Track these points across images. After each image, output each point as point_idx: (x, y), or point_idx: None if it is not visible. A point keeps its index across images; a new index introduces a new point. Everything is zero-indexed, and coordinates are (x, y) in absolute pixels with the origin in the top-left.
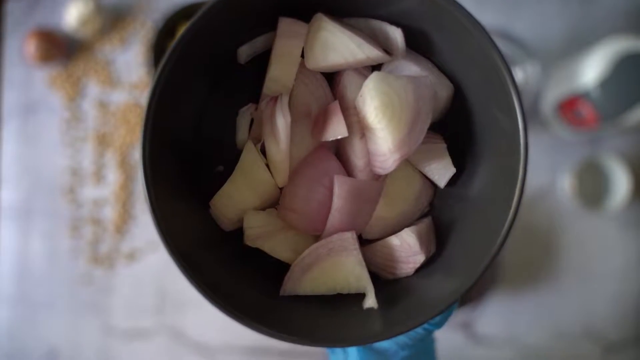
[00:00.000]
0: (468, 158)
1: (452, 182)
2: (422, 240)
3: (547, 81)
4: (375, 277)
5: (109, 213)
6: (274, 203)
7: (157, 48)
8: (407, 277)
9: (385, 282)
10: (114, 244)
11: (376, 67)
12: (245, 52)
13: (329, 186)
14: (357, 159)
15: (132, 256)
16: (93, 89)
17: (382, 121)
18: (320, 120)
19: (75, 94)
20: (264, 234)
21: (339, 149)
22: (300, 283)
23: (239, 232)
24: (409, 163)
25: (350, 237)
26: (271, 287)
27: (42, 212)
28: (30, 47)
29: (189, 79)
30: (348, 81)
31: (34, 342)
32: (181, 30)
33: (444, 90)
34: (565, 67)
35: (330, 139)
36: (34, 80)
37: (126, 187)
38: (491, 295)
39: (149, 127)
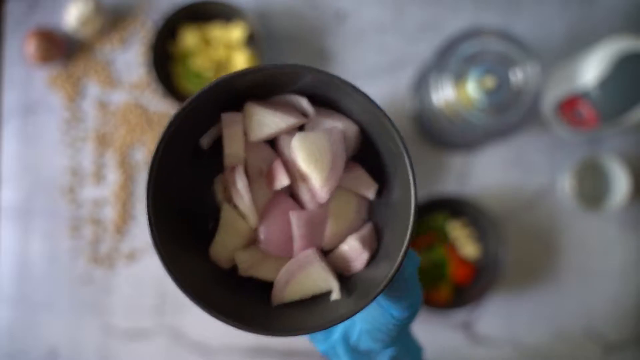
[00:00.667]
0: (385, 175)
1: (379, 193)
2: (365, 242)
3: (547, 81)
4: (339, 277)
5: (109, 213)
6: (254, 240)
7: (157, 48)
8: (360, 271)
9: (347, 278)
10: (114, 244)
11: (302, 126)
12: (205, 140)
13: (289, 220)
14: (304, 196)
15: (132, 256)
16: (93, 89)
17: (309, 167)
18: (270, 175)
19: (75, 94)
20: (253, 265)
21: (291, 191)
22: (283, 294)
23: (235, 266)
24: (342, 188)
25: (312, 253)
26: (267, 300)
27: (42, 212)
28: (31, 47)
29: (176, 161)
30: (283, 143)
31: (34, 342)
32: (182, 36)
33: (351, 131)
34: (565, 67)
35: (280, 187)
36: (34, 80)
37: (126, 187)
38: (491, 295)
39: (151, 197)
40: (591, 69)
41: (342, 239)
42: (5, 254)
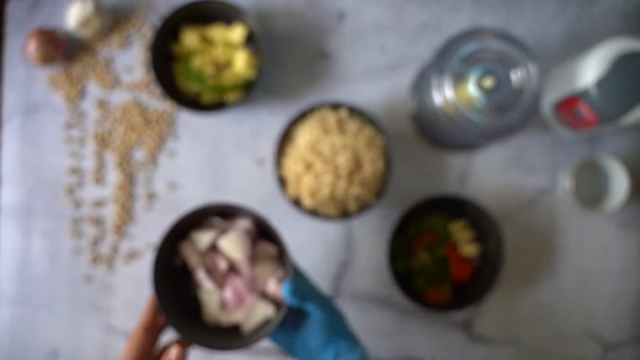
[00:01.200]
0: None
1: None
2: (280, 279)
3: (547, 81)
4: (276, 303)
5: (109, 213)
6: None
7: (157, 48)
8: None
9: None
10: (114, 244)
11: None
12: (177, 263)
13: (236, 285)
14: (239, 268)
15: (132, 256)
16: (93, 89)
17: (233, 253)
18: (216, 266)
19: (75, 94)
20: (227, 317)
21: (233, 267)
22: (249, 325)
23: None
24: (259, 255)
25: (254, 298)
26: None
27: (42, 212)
28: (31, 47)
29: (163, 271)
30: (218, 244)
31: (34, 341)
32: (182, 36)
33: (249, 225)
34: (564, 67)
35: (224, 270)
36: (34, 80)
37: (126, 187)
38: (491, 295)
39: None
40: (590, 69)
41: (267, 281)
42: (5, 253)
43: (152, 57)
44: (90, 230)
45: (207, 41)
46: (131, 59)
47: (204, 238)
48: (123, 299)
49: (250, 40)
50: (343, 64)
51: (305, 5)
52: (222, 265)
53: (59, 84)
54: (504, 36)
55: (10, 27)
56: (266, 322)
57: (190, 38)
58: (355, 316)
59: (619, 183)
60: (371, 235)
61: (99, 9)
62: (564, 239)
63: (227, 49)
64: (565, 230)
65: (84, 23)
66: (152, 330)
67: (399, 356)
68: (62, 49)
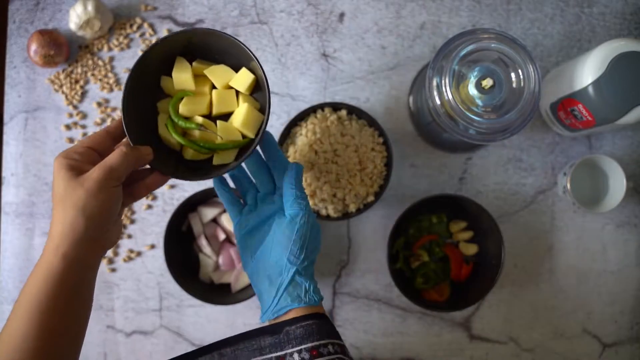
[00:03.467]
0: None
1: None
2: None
3: (546, 82)
4: None
5: None
6: (218, 266)
7: (139, 78)
8: None
9: None
10: None
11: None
12: (183, 227)
13: (230, 252)
14: (234, 239)
15: (132, 256)
16: (94, 89)
17: (231, 229)
18: (216, 235)
19: (76, 94)
20: (220, 278)
21: (229, 239)
22: (237, 285)
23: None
24: None
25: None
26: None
27: (43, 212)
28: (33, 48)
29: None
30: (219, 219)
31: None
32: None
33: None
34: (563, 68)
35: (222, 239)
36: (36, 80)
37: None
38: (491, 295)
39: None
40: (589, 70)
41: None
42: (7, 253)
43: (130, 86)
44: None
45: (202, 82)
46: (131, 59)
47: (209, 212)
48: (123, 298)
49: (255, 92)
50: (343, 64)
51: (305, 5)
52: (221, 235)
53: (60, 84)
54: (503, 36)
55: (11, 28)
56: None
57: (182, 72)
58: (355, 316)
59: (618, 183)
60: (371, 235)
61: (99, 9)
62: (563, 238)
63: (226, 96)
64: (564, 229)
65: (85, 24)
66: (112, 137)
67: (399, 356)
68: (63, 50)
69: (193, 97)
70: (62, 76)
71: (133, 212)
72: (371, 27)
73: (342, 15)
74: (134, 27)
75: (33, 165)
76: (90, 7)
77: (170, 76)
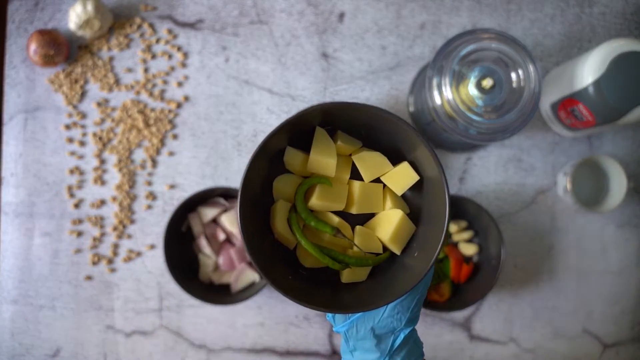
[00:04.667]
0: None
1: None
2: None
3: (546, 81)
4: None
5: (109, 213)
6: (217, 266)
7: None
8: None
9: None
10: (114, 243)
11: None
12: (183, 227)
13: (229, 253)
14: (234, 240)
15: (132, 256)
16: (94, 89)
17: (232, 227)
18: (216, 236)
19: (76, 94)
20: (220, 278)
21: (228, 239)
22: (236, 286)
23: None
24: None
25: (244, 265)
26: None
27: (43, 212)
28: (32, 48)
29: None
30: (220, 219)
31: (35, 341)
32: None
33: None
34: (564, 67)
35: (222, 240)
36: (35, 80)
37: (126, 188)
38: (491, 295)
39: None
40: (589, 70)
41: None
42: (7, 253)
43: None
44: (90, 230)
45: (342, 167)
46: (131, 59)
47: (209, 212)
48: (123, 298)
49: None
50: (343, 64)
51: (305, 5)
52: (221, 236)
53: (60, 84)
54: (503, 36)
55: (11, 28)
56: (251, 285)
57: (323, 152)
58: None
59: (618, 183)
60: None
61: (99, 9)
62: (564, 238)
63: (372, 192)
64: (565, 230)
65: (85, 24)
66: None
67: None
68: (62, 50)
69: (329, 188)
70: (61, 76)
71: (133, 212)
72: (371, 27)
73: (342, 15)
74: (134, 27)
75: (33, 165)
76: (89, 7)
77: (297, 146)
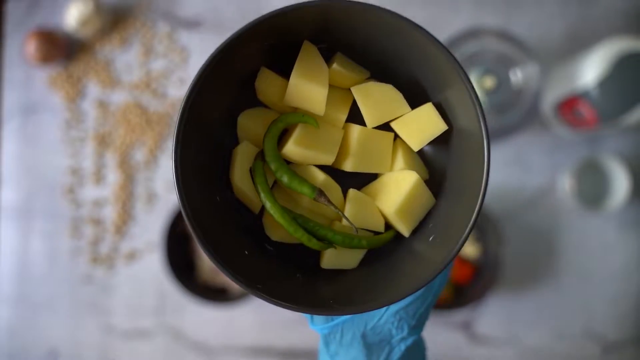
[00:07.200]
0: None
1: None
2: None
3: (547, 81)
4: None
5: (109, 213)
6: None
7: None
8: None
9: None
10: (114, 244)
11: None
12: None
13: None
14: None
15: (132, 256)
16: (93, 89)
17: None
18: None
19: (75, 94)
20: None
21: None
22: (233, 290)
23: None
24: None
25: None
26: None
27: (42, 212)
28: (31, 47)
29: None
30: None
31: (34, 341)
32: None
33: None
34: (564, 67)
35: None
36: (34, 80)
37: (126, 187)
38: (491, 295)
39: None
40: (591, 69)
41: None
42: (5, 253)
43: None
44: (90, 230)
45: (337, 103)
46: (131, 59)
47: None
48: (123, 299)
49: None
50: None
51: None
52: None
53: (59, 84)
54: (504, 36)
55: (9, 27)
56: None
57: (309, 75)
58: None
59: (620, 183)
60: None
61: (98, 8)
62: (564, 239)
63: (377, 143)
64: (566, 230)
65: (84, 23)
66: None
67: None
68: (61, 49)
69: (315, 131)
70: (60, 76)
71: (132, 213)
72: None
73: None
74: (134, 27)
75: (31, 166)
76: (89, 6)
77: (277, 70)
